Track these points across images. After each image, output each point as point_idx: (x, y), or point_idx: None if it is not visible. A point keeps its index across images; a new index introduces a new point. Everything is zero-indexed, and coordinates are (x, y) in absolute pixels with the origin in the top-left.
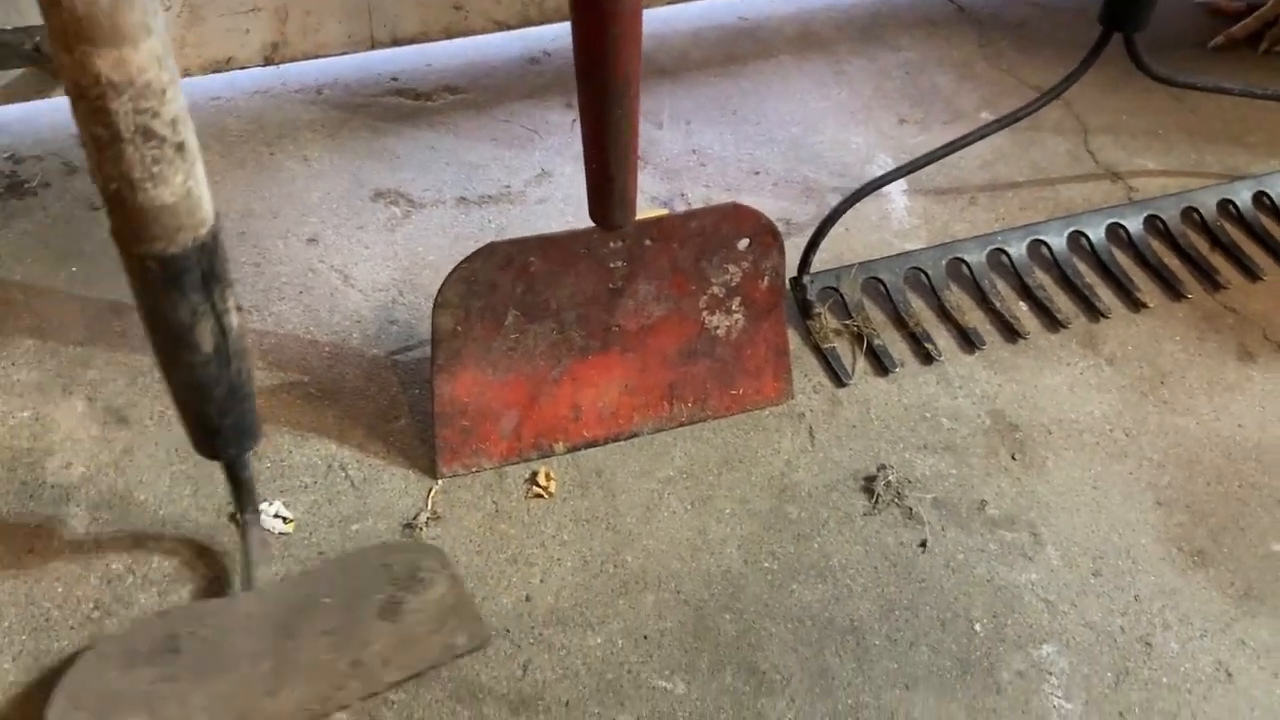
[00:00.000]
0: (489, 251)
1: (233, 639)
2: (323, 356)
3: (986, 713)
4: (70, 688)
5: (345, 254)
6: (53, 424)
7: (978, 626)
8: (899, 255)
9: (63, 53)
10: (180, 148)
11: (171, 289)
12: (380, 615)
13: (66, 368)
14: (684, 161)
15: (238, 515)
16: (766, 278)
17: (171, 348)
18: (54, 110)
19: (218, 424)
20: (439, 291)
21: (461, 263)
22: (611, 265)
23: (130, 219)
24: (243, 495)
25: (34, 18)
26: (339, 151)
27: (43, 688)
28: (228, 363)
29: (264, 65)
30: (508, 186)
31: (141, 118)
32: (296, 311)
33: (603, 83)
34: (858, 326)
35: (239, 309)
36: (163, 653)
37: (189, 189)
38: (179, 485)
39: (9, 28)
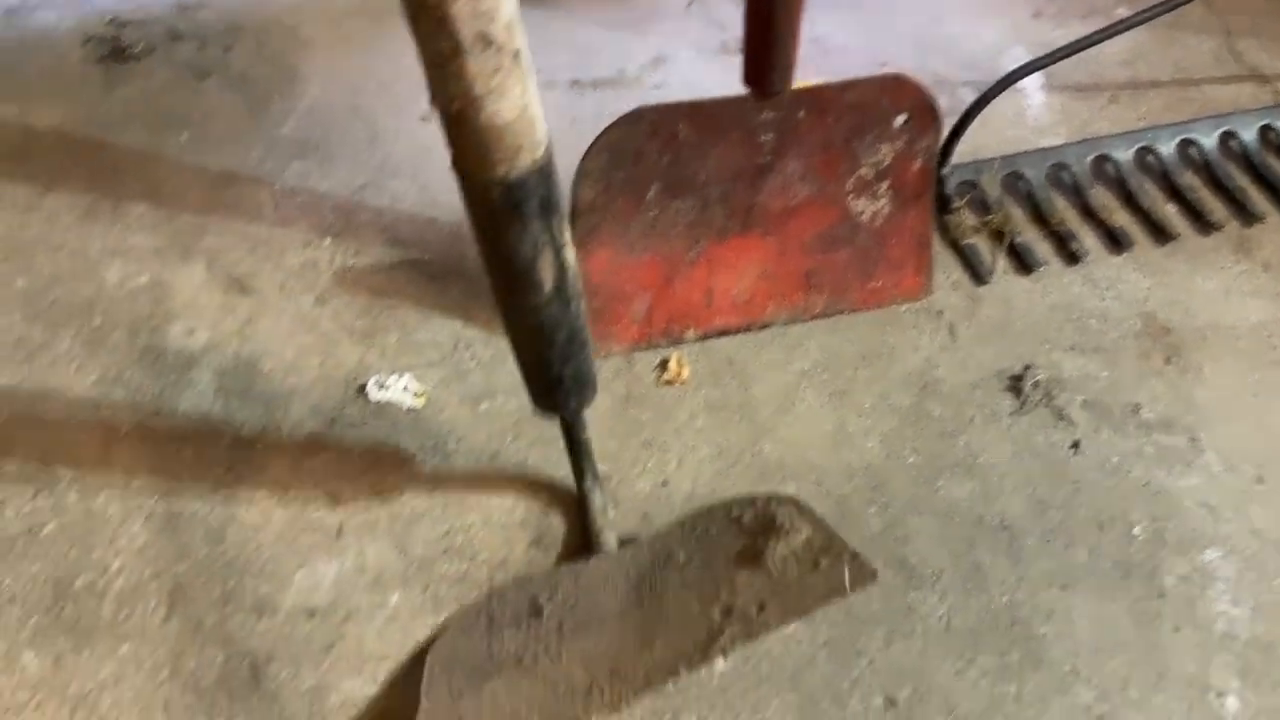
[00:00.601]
0: (636, 117)
1: (594, 599)
2: (442, 235)
3: (1150, 616)
4: (440, 655)
5: None
6: (173, 290)
7: (1137, 530)
8: (1041, 151)
9: None
10: (516, 56)
11: (516, 219)
12: (741, 564)
13: (183, 234)
14: (806, 50)
15: (584, 480)
16: (919, 159)
17: (515, 287)
18: None
19: (559, 372)
20: (581, 160)
21: (606, 129)
22: (761, 138)
23: (472, 141)
24: (583, 459)
25: None
26: None
27: (173, 538)
28: (568, 303)
29: None
30: (622, 70)
31: (480, 23)
32: (413, 189)
33: None
34: (998, 223)
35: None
36: (526, 616)
37: (525, 104)
38: (305, 355)
39: None
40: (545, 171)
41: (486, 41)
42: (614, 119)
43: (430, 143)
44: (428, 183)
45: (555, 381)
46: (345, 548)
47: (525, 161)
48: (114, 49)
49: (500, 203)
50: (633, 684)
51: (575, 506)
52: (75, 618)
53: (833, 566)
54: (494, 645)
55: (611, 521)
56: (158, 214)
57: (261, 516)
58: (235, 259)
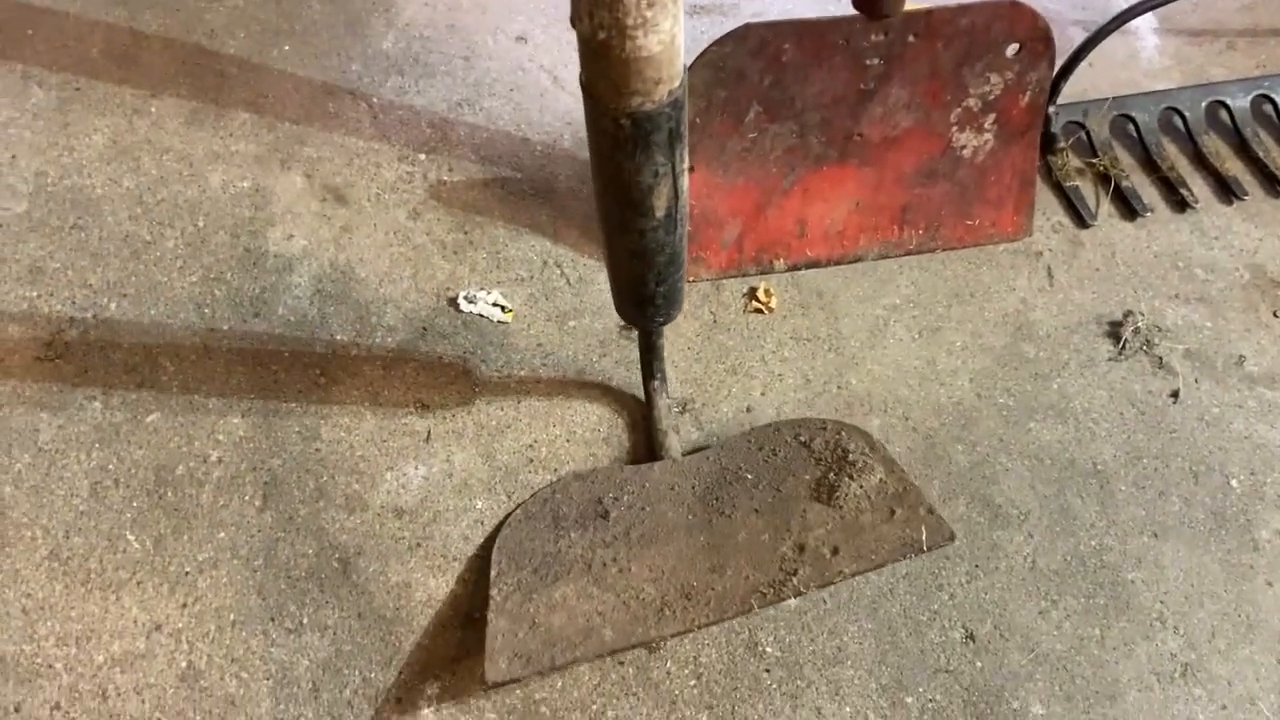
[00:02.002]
0: (743, 34)
1: (661, 507)
2: (534, 155)
3: (1243, 569)
4: (507, 548)
5: (554, 55)
6: (272, 196)
7: (1234, 482)
8: (1153, 93)
9: None
10: None
11: (641, 149)
12: (814, 497)
13: (283, 143)
14: None
15: (652, 381)
16: (1029, 93)
17: (628, 213)
18: None
19: (653, 291)
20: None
21: (711, 45)
22: (868, 62)
23: (614, 71)
24: (655, 361)
25: None
26: None
27: (269, 433)
28: (675, 227)
29: None
30: None
31: None
32: (507, 109)
33: None
34: (1104, 166)
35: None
36: (592, 517)
37: (673, 36)
38: (399, 266)
39: None
40: (679, 104)
41: None
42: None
43: (526, 63)
44: (521, 102)
45: (648, 299)
46: (433, 453)
47: (662, 93)
48: None
49: (631, 132)
50: (704, 611)
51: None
52: (176, 503)
53: (909, 520)
54: (561, 544)
55: (676, 428)
56: (259, 122)
57: (353, 418)
58: (333, 169)
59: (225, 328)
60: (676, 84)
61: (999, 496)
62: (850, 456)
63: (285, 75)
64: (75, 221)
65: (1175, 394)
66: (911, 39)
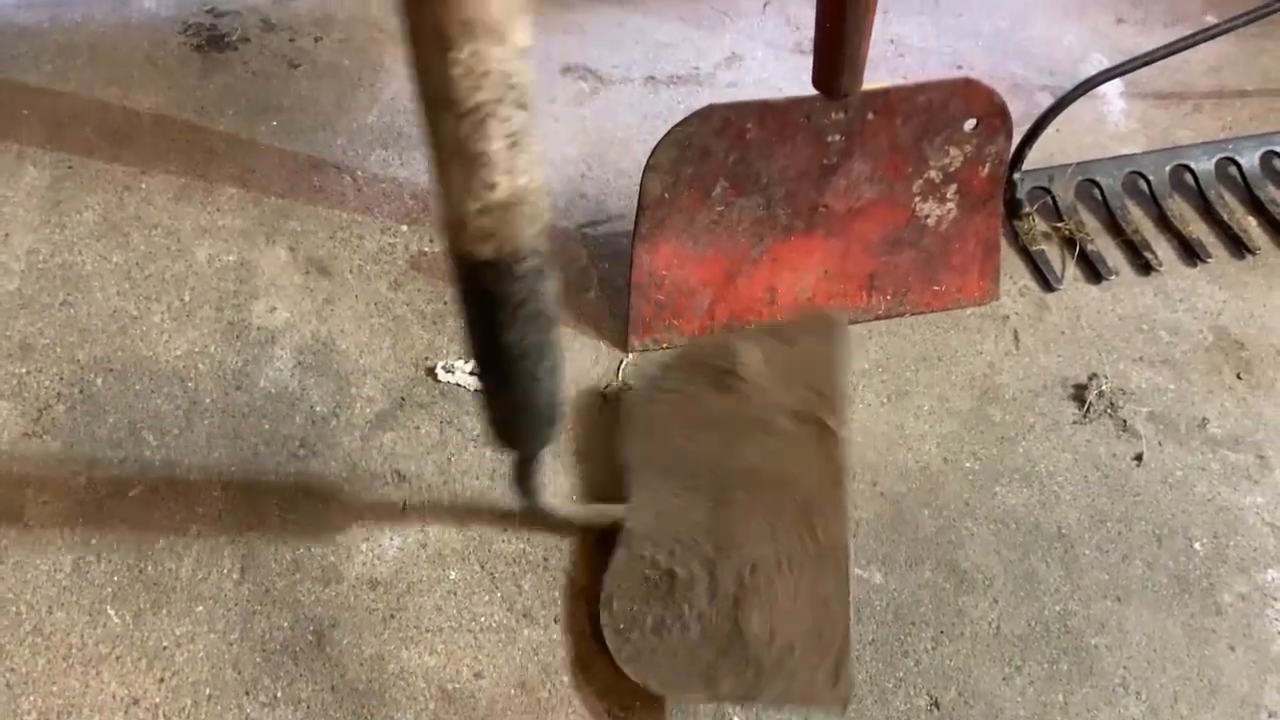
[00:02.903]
0: (706, 114)
1: None
2: None
3: (1205, 633)
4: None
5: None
6: (257, 269)
7: (1197, 545)
8: (1118, 158)
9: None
10: (529, 132)
11: (508, 302)
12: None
13: (269, 217)
14: (881, 50)
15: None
16: (988, 164)
17: (502, 357)
18: None
19: (530, 421)
20: (651, 154)
21: (677, 125)
22: (829, 139)
23: (476, 221)
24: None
25: None
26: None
27: (248, 505)
28: (553, 370)
29: None
30: (697, 68)
31: (499, 91)
32: None
33: None
34: (1070, 230)
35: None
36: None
37: (534, 181)
38: (379, 337)
39: None
40: (542, 252)
41: (506, 115)
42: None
43: None
44: None
45: (524, 426)
46: (408, 523)
47: (526, 242)
48: (211, 37)
49: (494, 282)
50: None
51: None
52: (155, 576)
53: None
54: None
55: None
56: (246, 197)
57: (331, 489)
58: (316, 242)
59: (208, 401)
60: (540, 226)
61: (965, 561)
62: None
63: (272, 150)
64: (65, 298)
65: (1139, 457)
66: (871, 116)
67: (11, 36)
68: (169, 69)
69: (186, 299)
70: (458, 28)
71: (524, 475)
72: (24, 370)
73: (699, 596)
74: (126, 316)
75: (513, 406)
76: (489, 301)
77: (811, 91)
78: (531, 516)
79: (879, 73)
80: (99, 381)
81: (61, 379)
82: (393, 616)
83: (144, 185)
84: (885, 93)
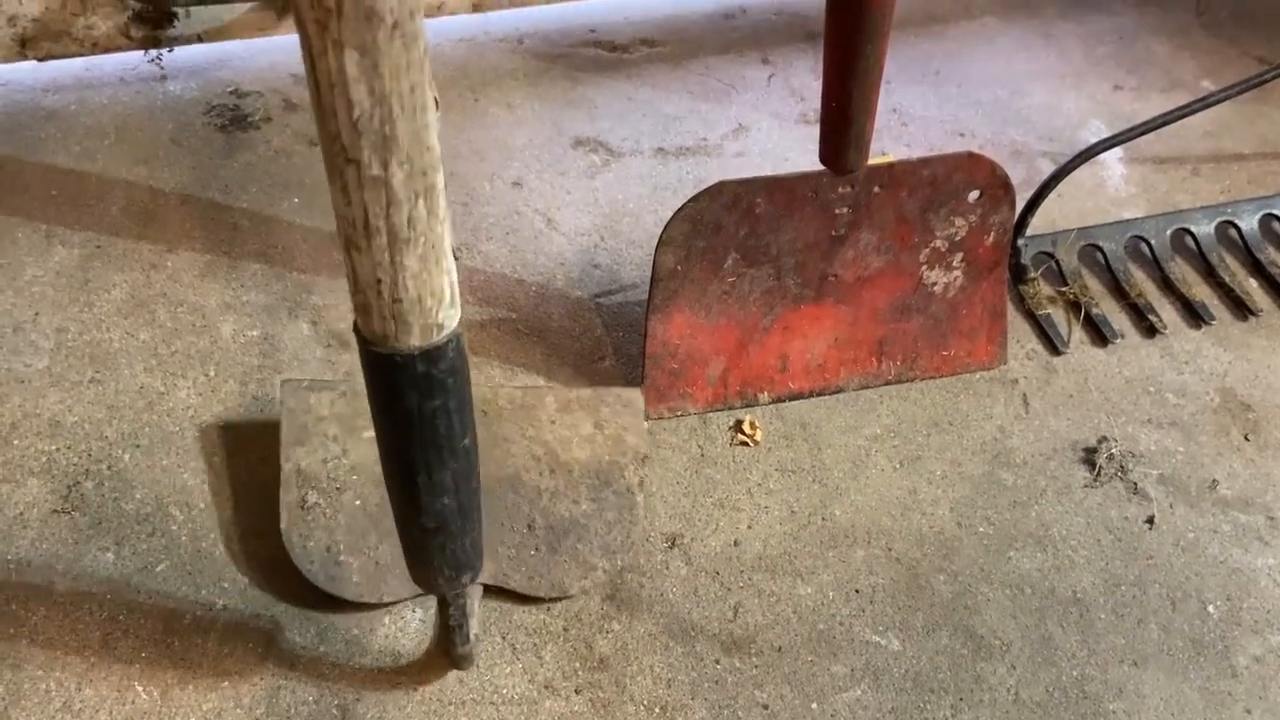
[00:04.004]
0: (717, 191)
1: None
2: (529, 295)
3: (1221, 696)
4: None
5: (548, 198)
6: (280, 344)
7: (1211, 609)
8: (1119, 223)
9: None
10: (444, 222)
11: (430, 394)
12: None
13: (291, 292)
14: (885, 120)
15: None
16: (993, 233)
17: (418, 464)
18: (274, 48)
19: (450, 548)
20: (664, 229)
21: (688, 201)
22: (836, 211)
23: (391, 311)
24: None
25: None
26: (540, 99)
27: (272, 580)
28: (471, 489)
29: (471, 12)
30: (704, 139)
31: (416, 184)
32: (503, 251)
33: (859, 15)
34: (1074, 294)
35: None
36: None
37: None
38: None
39: None
40: (460, 346)
41: (419, 207)
42: (696, 188)
43: (521, 207)
44: (517, 244)
45: (443, 559)
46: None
47: (446, 332)
48: (234, 117)
49: (414, 375)
50: None
51: (638, 572)
52: (182, 652)
53: None
54: None
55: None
56: (270, 272)
57: None
58: (338, 316)
59: (233, 475)
60: (455, 324)
61: (981, 627)
62: None
63: (294, 226)
64: (94, 375)
65: (1151, 520)
66: (877, 189)
67: (41, 119)
68: (194, 149)
69: (212, 374)
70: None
71: (443, 620)
72: (54, 447)
73: None
74: (154, 392)
75: (416, 527)
76: (385, 396)
77: (818, 165)
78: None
79: (883, 141)
80: (126, 457)
81: (90, 455)
82: (415, 689)
83: (170, 263)
84: (890, 167)
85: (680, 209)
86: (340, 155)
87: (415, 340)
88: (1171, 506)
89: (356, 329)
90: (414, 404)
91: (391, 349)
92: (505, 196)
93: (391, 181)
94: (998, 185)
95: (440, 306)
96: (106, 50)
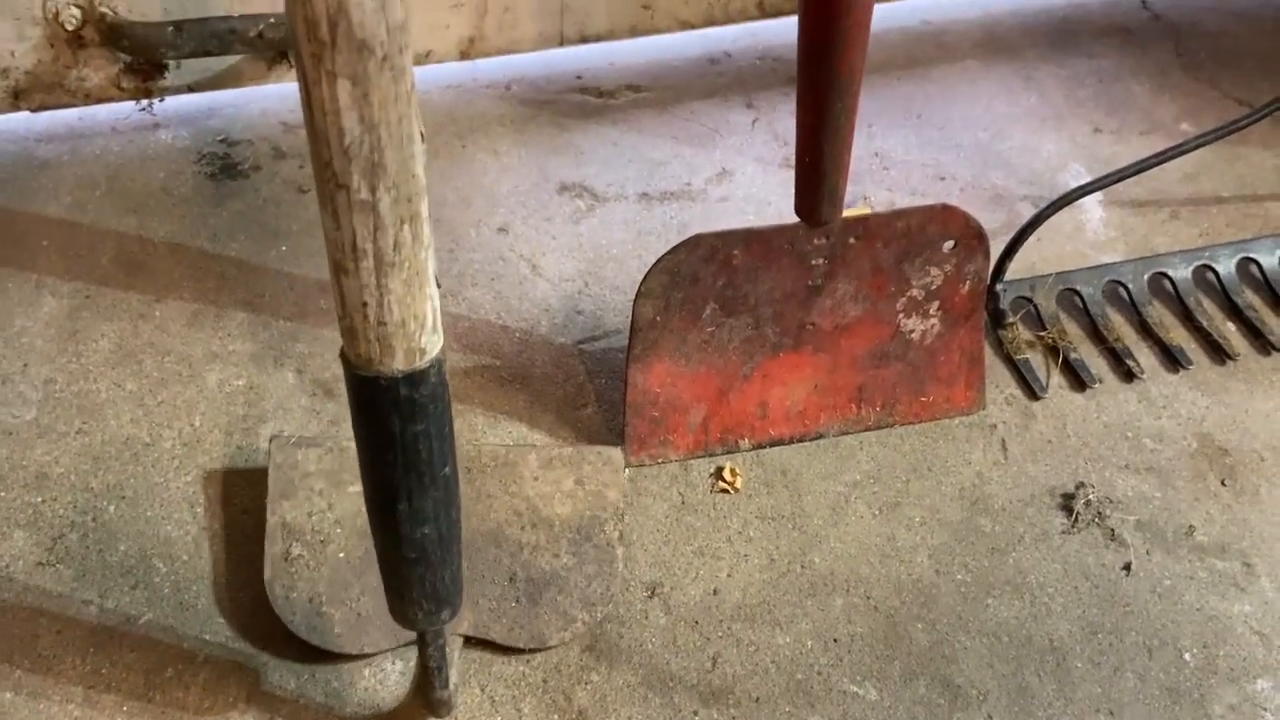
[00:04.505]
0: (694, 244)
1: None
2: (513, 342)
3: None
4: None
5: (533, 244)
6: (265, 393)
7: (1187, 656)
8: (1097, 267)
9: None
10: (429, 248)
11: (412, 418)
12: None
13: (277, 340)
14: (866, 164)
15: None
16: (968, 282)
17: (400, 493)
18: (264, 97)
19: (430, 584)
20: (642, 281)
21: (666, 254)
22: (813, 263)
23: (376, 333)
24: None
25: (260, 5)
26: (526, 145)
27: (254, 630)
28: (453, 522)
29: (459, 60)
30: (689, 184)
31: (401, 210)
32: (488, 297)
33: (829, 74)
34: (1053, 339)
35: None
36: None
37: (429, 299)
38: None
39: (236, 14)
40: (441, 373)
41: (405, 232)
42: (679, 233)
43: (506, 253)
44: (502, 290)
45: (423, 591)
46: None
47: (429, 357)
48: (224, 165)
49: (398, 399)
50: None
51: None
52: (163, 706)
53: None
54: None
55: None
56: (256, 321)
57: None
58: (322, 364)
59: (216, 526)
60: (437, 350)
61: (958, 677)
62: None
63: (281, 274)
64: (80, 426)
65: (1128, 566)
66: (852, 241)
67: (33, 169)
68: (184, 197)
69: (197, 424)
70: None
71: (423, 661)
72: (39, 499)
73: None
74: (139, 443)
75: (397, 557)
76: (368, 420)
77: (794, 219)
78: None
79: (864, 185)
80: (111, 509)
81: (75, 507)
82: None
83: (158, 312)
84: (865, 219)
85: (658, 261)
86: (331, 181)
87: (399, 364)
88: (1149, 553)
89: (343, 354)
90: (396, 428)
91: (376, 372)
92: (491, 242)
93: (379, 206)
94: (971, 236)
95: (423, 331)
96: (99, 101)
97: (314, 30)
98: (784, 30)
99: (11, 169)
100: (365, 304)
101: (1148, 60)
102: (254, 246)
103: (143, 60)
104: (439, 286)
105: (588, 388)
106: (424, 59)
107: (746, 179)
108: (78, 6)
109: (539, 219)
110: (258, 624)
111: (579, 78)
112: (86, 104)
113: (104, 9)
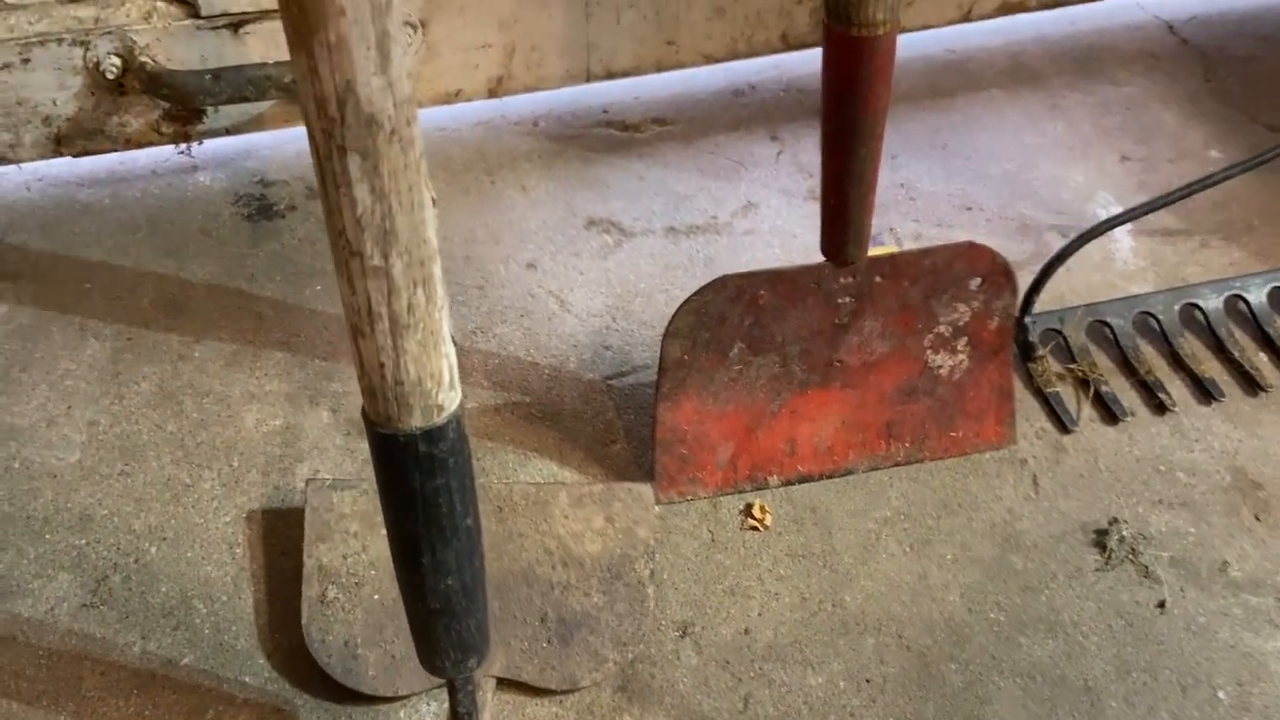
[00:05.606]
0: (720, 285)
1: None
2: (542, 378)
3: None
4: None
5: (561, 280)
6: (301, 433)
7: (1221, 694)
8: (1127, 298)
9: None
10: (442, 310)
11: (433, 474)
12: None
13: (313, 380)
14: (891, 195)
15: None
16: (996, 318)
17: (424, 546)
18: (298, 138)
19: (458, 630)
20: (670, 321)
21: (693, 295)
22: (839, 301)
23: (395, 391)
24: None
25: None
26: (554, 180)
27: (294, 673)
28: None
29: (487, 98)
30: (715, 217)
31: (414, 273)
32: (517, 334)
33: (852, 118)
34: (1083, 371)
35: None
36: None
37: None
38: None
39: (272, 61)
40: (460, 428)
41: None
42: (706, 267)
43: (535, 289)
44: (531, 327)
45: (449, 640)
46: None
47: (446, 413)
48: (261, 206)
49: (417, 455)
50: None
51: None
52: None
53: None
54: None
55: None
56: (292, 360)
57: None
58: (355, 403)
59: (254, 567)
60: (455, 405)
61: (993, 718)
62: None
63: (317, 314)
64: (123, 468)
65: (1162, 604)
66: (878, 279)
67: (75, 213)
68: (222, 239)
69: (235, 464)
70: None
71: (454, 709)
72: (84, 541)
73: None
74: (180, 484)
75: (422, 608)
76: (390, 477)
77: (819, 259)
78: None
79: (890, 217)
80: (153, 550)
81: (118, 549)
82: None
83: (197, 353)
84: (892, 258)
85: (685, 302)
86: (346, 248)
87: (417, 421)
88: (1183, 590)
89: (364, 412)
90: (417, 484)
91: (395, 430)
92: (520, 279)
93: (392, 271)
94: (998, 273)
95: (440, 389)
96: (139, 146)
97: (324, 108)
98: (808, 61)
99: (54, 213)
100: (382, 365)
101: (1176, 87)
102: (290, 287)
103: (181, 106)
104: (461, 336)
105: (616, 424)
106: (454, 97)
107: (772, 211)
108: (118, 56)
109: (567, 254)
110: (296, 666)
111: (605, 111)
112: (127, 149)
113: (144, 58)
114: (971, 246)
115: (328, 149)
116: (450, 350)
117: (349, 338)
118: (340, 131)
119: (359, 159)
